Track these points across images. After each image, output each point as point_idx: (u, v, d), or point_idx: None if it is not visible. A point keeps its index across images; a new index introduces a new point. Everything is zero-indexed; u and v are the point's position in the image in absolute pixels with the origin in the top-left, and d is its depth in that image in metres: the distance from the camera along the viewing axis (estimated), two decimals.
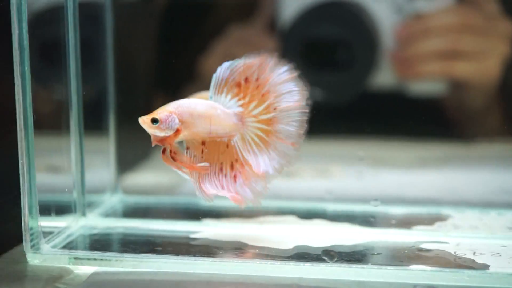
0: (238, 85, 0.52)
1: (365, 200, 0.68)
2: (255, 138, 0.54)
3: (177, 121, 0.51)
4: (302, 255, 0.54)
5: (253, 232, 0.60)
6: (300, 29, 0.82)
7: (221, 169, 0.53)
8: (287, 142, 0.54)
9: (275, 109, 0.53)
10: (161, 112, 0.52)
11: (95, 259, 0.53)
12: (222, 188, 0.53)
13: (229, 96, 0.53)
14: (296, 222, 0.63)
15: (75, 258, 0.53)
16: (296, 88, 0.53)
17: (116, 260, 0.53)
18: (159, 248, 0.55)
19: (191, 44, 0.85)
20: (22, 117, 0.51)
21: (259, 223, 0.62)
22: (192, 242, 0.57)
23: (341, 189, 0.73)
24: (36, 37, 0.53)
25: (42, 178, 0.54)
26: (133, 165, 0.73)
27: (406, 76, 0.85)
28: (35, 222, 0.53)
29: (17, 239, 0.56)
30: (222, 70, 0.52)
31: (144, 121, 0.51)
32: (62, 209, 0.59)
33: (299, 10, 0.82)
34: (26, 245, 0.53)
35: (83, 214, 0.61)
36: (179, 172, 0.53)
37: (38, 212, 0.53)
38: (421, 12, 0.83)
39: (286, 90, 0.53)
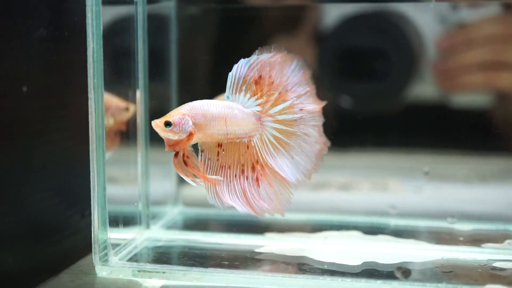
0: (257, 82, 0.50)
1: (428, 215, 0.67)
2: (272, 139, 0.52)
3: (190, 123, 0.49)
4: (372, 271, 0.53)
5: (318, 247, 0.59)
6: (340, 38, 0.81)
7: (242, 171, 0.51)
8: (314, 147, 0.53)
9: (301, 110, 0.52)
10: (174, 115, 0.49)
11: (163, 272, 0.53)
12: (243, 192, 0.51)
13: (248, 95, 0.51)
14: (361, 237, 0.62)
15: (144, 271, 0.53)
16: (310, 89, 0.53)
17: (184, 274, 0.52)
18: (226, 263, 0.55)
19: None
20: (94, 129, 0.51)
21: (323, 238, 0.61)
22: (258, 257, 0.57)
23: (402, 204, 0.71)
24: (107, 50, 0.53)
25: (109, 190, 0.54)
26: None
27: (449, 88, 0.84)
28: (104, 234, 0.53)
29: (84, 251, 0.56)
30: (239, 68, 0.50)
31: (157, 124, 0.49)
32: (128, 221, 0.59)
33: (340, 19, 0.81)
34: (95, 257, 0.53)
35: (147, 226, 0.61)
36: (190, 181, 0.50)
37: (108, 224, 0.53)
38: (465, 22, 0.81)
39: (304, 91, 0.52)
